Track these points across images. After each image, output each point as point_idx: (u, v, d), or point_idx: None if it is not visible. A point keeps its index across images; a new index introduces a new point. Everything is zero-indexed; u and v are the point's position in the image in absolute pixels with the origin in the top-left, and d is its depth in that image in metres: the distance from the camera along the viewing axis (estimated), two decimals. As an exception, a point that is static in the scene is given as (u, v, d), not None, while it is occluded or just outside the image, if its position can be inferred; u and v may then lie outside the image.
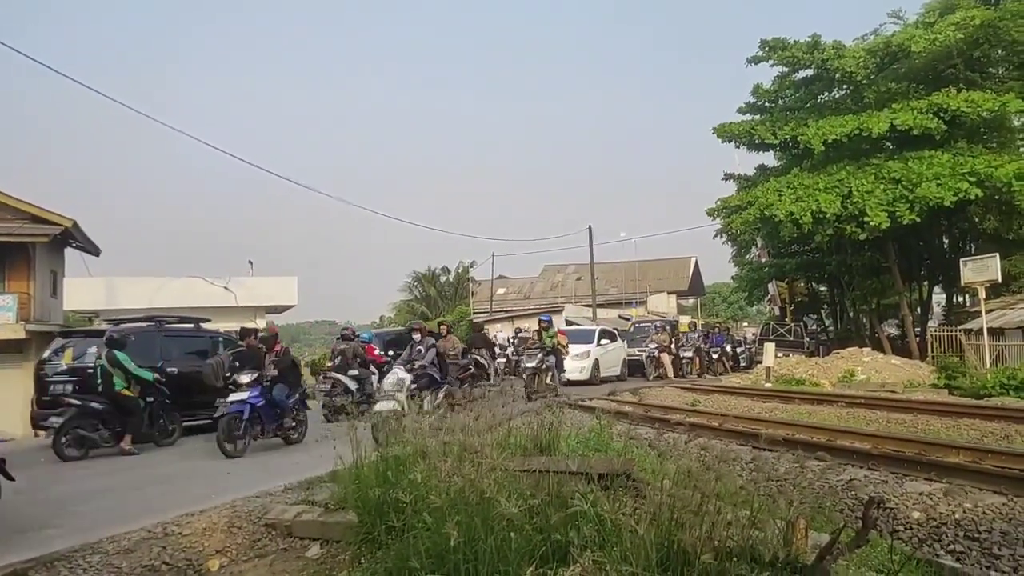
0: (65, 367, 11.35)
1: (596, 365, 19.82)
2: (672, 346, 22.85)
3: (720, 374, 24.71)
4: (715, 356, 25.64)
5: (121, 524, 5.72)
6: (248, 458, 9.51)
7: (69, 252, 24.00)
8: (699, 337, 25.41)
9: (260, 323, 27.78)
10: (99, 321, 26.75)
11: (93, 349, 11.15)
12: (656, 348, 22.11)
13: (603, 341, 21.01)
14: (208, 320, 14.69)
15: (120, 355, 10.30)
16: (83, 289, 26.75)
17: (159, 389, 10.92)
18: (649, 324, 26.07)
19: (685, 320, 35.55)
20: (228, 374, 11.37)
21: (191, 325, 13.64)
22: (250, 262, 34.39)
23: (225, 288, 29.30)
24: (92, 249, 24.03)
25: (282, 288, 32.29)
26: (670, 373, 21.77)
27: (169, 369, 11.63)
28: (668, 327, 24.95)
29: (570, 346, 19.13)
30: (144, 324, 12.63)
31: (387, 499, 4.97)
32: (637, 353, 22.58)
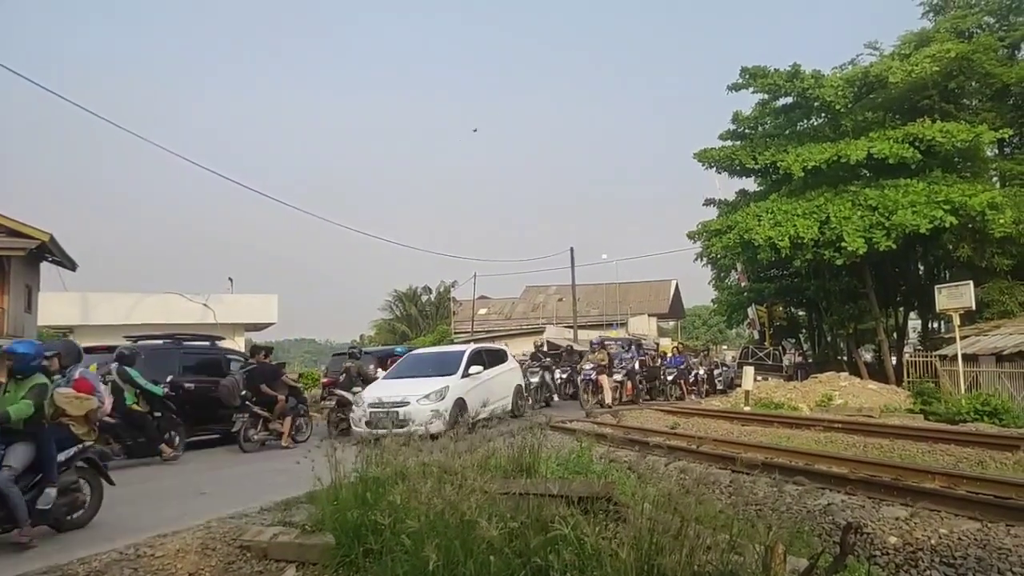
0: None
1: (461, 405, 12.99)
2: (609, 368, 19.46)
3: (677, 398, 22.51)
4: (670, 378, 23.18)
5: (94, 544, 5.59)
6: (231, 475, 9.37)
7: (44, 266, 23.66)
8: (632, 358, 21.35)
9: (240, 340, 27.55)
10: (74, 337, 26.37)
11: (115, 364, 11.46)
12: (593, 370, 18.69)
13: (473, 369, 14.21)
14: (223, 338, 14.96)
15: (131, 371, 10.59)
16: (58, 304, 26.36)
17: (166, 404, 11.18)
18: (600, 342, 21.87)
19: (665, 342, 35.69)
20: (244, 392, 12.00)
21: (207, 343, 14.07)
22: (230, 279, 34.25)
23: (204, 305, 29.05)
24: (68, 264, 23.70)
25: (262, 305, 32.07)
26: (608, 399, 18.34)
27: (186, 385, 12.17)
28: (626, 345, 23.15)
29: (419, 380, 13.36)
30: (162, 341, 13.13)
31: (365, 521, 4.91)
32: (585, 375, 19.22)
